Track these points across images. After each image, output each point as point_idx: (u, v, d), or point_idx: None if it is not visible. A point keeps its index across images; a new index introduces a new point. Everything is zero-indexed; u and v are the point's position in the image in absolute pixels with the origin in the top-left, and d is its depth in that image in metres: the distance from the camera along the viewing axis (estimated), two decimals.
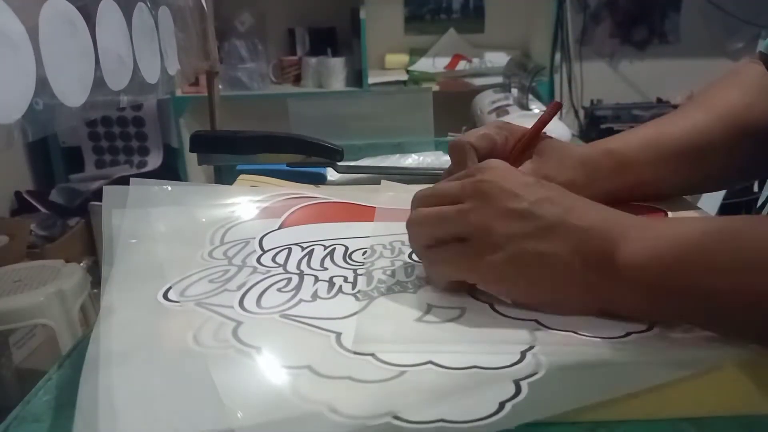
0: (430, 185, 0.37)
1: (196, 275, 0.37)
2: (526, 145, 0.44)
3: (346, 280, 0.37)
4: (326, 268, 0.38)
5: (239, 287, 0.36)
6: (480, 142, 0.44)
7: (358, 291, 0.35)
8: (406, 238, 0.37)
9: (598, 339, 0.30)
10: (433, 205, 0.35)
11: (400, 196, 0.51)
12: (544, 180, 0.35)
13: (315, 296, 0.35)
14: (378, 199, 0.51)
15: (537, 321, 0.32)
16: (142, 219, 0.42)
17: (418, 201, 0.37)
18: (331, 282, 0.36)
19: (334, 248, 0.41)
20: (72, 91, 0.62)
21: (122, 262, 0.37)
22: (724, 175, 0.49)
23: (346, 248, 0.41)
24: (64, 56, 0.60)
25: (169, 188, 0.47)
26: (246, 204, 0.48)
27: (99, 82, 0.68)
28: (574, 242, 0.31)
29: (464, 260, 0.33)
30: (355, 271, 0.38)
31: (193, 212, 0.46)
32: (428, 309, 0.33)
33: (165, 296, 0.34)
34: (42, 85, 0.56)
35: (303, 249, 0.41)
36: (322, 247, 0.41)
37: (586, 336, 0.30)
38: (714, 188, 0.54)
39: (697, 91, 0.49)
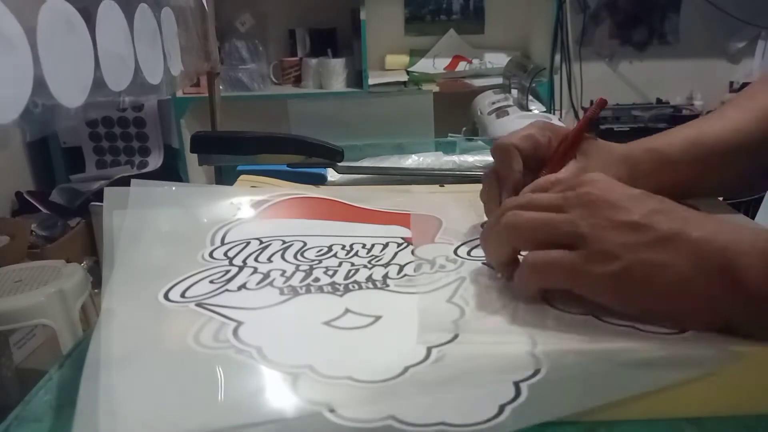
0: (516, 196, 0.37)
1: (196, 276, 0.37)
2: (572, 145, 0.44)
3: (283, 274, 0.37)
4: (271, 262, 0.39)
5: (240, 287, 0.36)
6: (524, 143, 0.44)
7: (287, 285, 0.36)
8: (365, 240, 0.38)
9: (652, 333, 0.30)
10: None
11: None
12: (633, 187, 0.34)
13: (242, 287, 0.36)
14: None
15: (594, 315, 0.32)
16: (143, 220, 0.42)
17: (512, 207, 0.35)
18: (266, 275, 0.37)
19: (292, 243, 0.41)
20: (70, 91, 0.62)
21: (123, 263, 0.37)
22: (761, 177, 0.49)
23: (304, 244, 0.41)
24: (62, 57, 0.61)
25: (170, 189, 0.47)
26: (247, 204, 0.48)
27: (99, 83, 0.68)
28: (693, 254, 0.30)
29: (572, 268, 0.31)
30: (297, 267, 0.38)
31: (194, 213, 0.45)
32: (344, 312, 0.33)
33: (166, 297, 0.34)
34: (40, 85, 0.56)
35: (261, 243, 0.41)
36: (281, 242, 0.41)
37: (645, 330, 0.30)
38: (748, 191, 0.54)
39: (732, 95, 0.50)
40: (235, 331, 0.31)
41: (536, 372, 0.27)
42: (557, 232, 0.33)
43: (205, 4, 1.20)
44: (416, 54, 2.30)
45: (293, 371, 0.27)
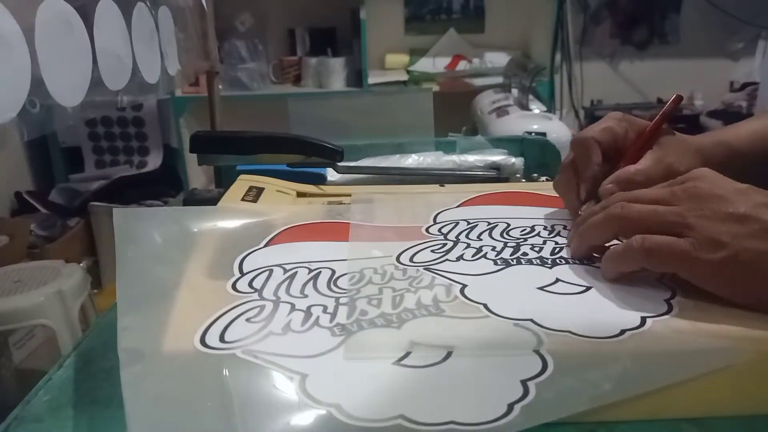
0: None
1: (229, 314, 0.33)
2: (650, 137, 0.45)
3: (325, 310, 0.33)
4: (306, 295, 0.35)
5: (284, 329, 0.32)
6: (602, 135, 0.45)
7: (336, 324, 0.32)
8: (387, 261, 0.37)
9: (594, 339, 0.30)
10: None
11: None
12: (671, 169, 0.37)
13: (287, 328, 0.31)
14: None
15: (533, 321, 0.31)
16: (155, 247, 0.40)
17: (619, 200, 0.37)
18: (308, 312, 0.33)
19: (320, 272, 0.38)
20: (68, 91, 0.62)
21: (142, 296, 0.34)
22: None
23: (333, 272, 0.38)
24: (60, 56, 0.60)
25: (179, 212, 0.44)
26: (260, 227, 0.44)
27: (97, 82, 0.68)
28: None
29: (681, 253, 0.32)
30: (337, 300, 0.34)
31: (210, 238, 0.42)
32: (410, 346, 0.30)
33: (203, 342, 0.30)
34: (37, 85, 0.56)
35: (286, 271, 0.38)
36: (307, 270, 0.38)
37: (582, 336, 0.30)
38: None
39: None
40: (302, 386, 0.27)
41: (543, 370, 0.27)
42: (664, 221, 0.34)
43: (204, 4, 1.20)
44: (416, 53, 2.30)
45: (383, 425, 0.25)
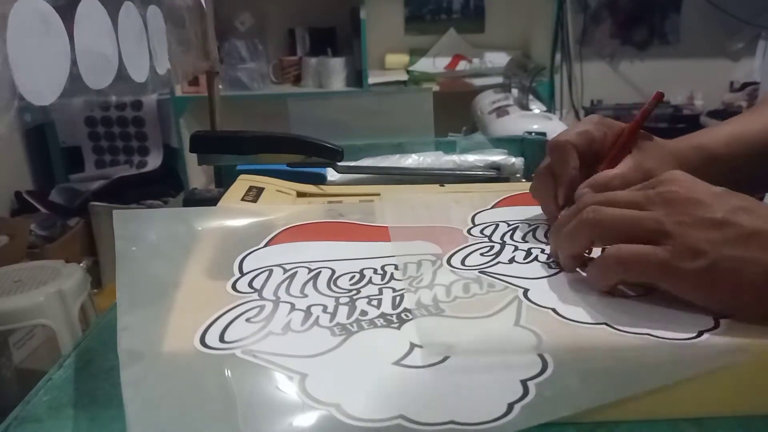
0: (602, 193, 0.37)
1: (229, 314, 0.33)
2: (628, 140, 0.45)
3: (325, 310, 0.33)
4: (306, 295, 0.35)
5: (284, 329, 0.31)
6: (579, 139, 0.44)
7: (336, 324, 0.32)
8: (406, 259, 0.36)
9: (667, 340, 0.29)
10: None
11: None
12: (648, 174, 0.36)
13: (287, 328, 0.31)
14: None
15: (607, 324, 0.31)
16: (154, 246, 0.40)
17: (591, 203, 0.36)
18: (308, 312, 0.33)
19: (320, 272, 0.38)
20: (41, 90, 0.61)
21: (141, 296, 0.34)
22: None
23: (333, 272, 0.38)
24: (34, 55, 0.60)
25: (179, 213, 0.44)
26: (260, 227, 0.44)
27: (76, 81, 0.68)
28: None
29: (660, 263, 0.31)
30: (337, 299, 0.34)
31: (210, 238, 0.42)
32: (410, 348, 0.30)
33: (203, 342, 0.30)
34: (8, 84, 0.56)
35: (285, 271, 0.37)
36: (307, 270, 0.37)
37: (660, 338, 0.29)
38: None
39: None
40: (302, 386, 0.27)
41: (543, 370, 0.27)
42: (641, 228, 0.33)
43: (204, 3, 1.20)
44: (416, 53, 2.30)
45: (383, 425, 0.25)
